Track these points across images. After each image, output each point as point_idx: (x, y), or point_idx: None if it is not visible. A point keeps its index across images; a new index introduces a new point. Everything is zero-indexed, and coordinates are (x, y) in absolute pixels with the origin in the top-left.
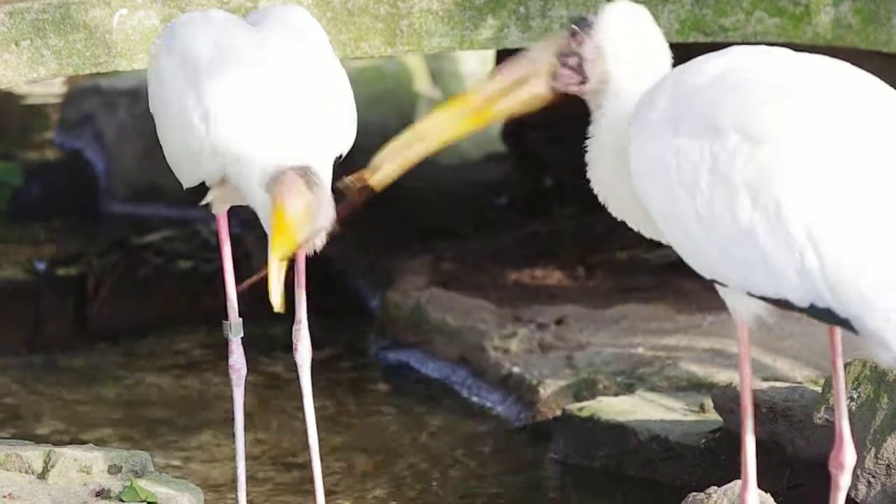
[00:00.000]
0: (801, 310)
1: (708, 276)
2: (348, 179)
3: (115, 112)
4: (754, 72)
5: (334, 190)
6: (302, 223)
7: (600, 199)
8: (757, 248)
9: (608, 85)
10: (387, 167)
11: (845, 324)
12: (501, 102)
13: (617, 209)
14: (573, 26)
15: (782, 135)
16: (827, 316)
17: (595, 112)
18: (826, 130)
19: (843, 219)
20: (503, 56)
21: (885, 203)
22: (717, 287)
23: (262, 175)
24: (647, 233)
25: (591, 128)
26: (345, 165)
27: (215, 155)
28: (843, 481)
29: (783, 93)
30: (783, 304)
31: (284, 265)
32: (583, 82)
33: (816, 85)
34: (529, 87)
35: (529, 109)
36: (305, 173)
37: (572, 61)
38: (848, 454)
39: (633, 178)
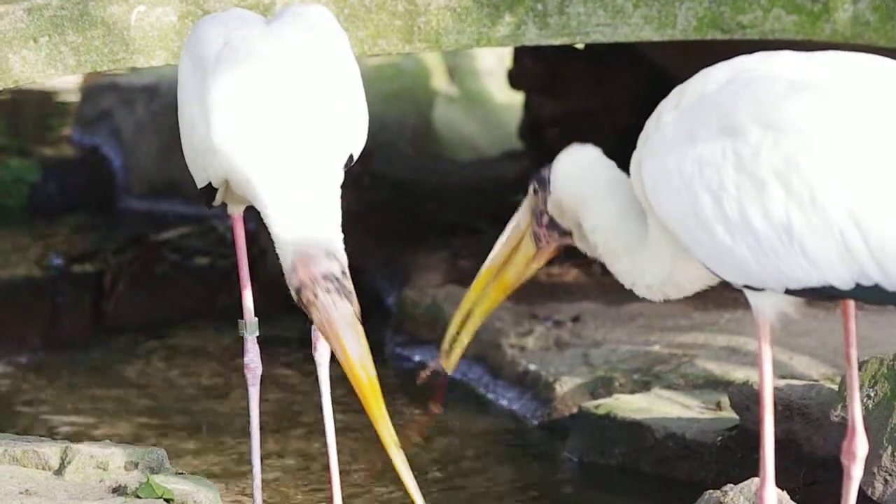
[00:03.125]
0: (846, 293)
1: (741, 282)
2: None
3: (132, 109)
4: (764, 70)
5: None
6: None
7: (656, 297)
8: (794, 240)
9: (584, 228)
10: (453, 352)
11: (894, 298)
12: (509, 271)
13: (673, 289)
14: (534, 184)
15: (805, 121)
16: (875, 293)
17: (595, 252)
18: (847, 111)
19: (881, 191)
20: (521, 53)
21: None
22: (747, 291)
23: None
24: (700, 284)
25: (605, 261)
26: (362, 162)
27: (216, 155)
28: (856, 472)
29: (797, 83)
30: (825, 293)
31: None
32: (563, 235)
33: (829, 72)
34: (521, 253)
35: (538, 267)
36: (336, 284)
37: (544, 220)
38: (860, 444)
39: (651, 199)
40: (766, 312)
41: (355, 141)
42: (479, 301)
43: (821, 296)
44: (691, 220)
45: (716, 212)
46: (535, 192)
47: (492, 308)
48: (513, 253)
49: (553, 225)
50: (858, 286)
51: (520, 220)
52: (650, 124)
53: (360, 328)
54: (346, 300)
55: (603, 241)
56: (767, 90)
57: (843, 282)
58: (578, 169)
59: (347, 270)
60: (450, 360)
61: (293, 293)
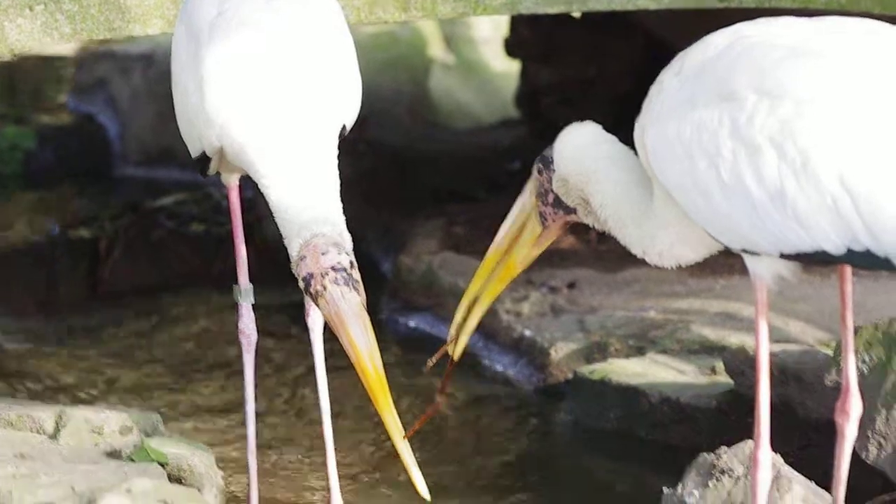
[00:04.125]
0: (838, 258)
1: (738, 247)
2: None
3: (128, 76)
4: (762, 36)
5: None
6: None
7: (668, 263)
8: (787, 205)
9: (592, 203)
10: (460, 340)
11: (886, 263)
12: (516, 252)
13: (684, 252)
14: (538, 164)
15: (800, 88)
16: (866, 259)
17: (604, 226)
18: (842, 78)
19: (872, 158)
20: (517, 21)
21: None
22: (744, 255)
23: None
24: (708, 247)
25: (615, 233)
26: (358, 130)
27: (210, 124)
28: (850, 431)
29: (796, 50)
30: (818, 258)
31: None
32: (568, 212)
33: (827, 39)
34: (527, 232)
35: (545, 246)
36: (345, 275)
37: (549, 198)
38: (854, 403)
39: (653, 165)
40: (763, 276)
41: (349, 111)
42: (487, 285)
43: (814, 260)
44: (690, 186)
45: (713, 177)
46: (540, 172)
47: (499, 291)
48: (518, 235)
49: (559, 203)
50: (850, 251)
51: (524, 201)
52: (653, 91)
53: (368, 320)
54: (354, 291)
55: (611, 214)
56: (765, 56)
57: (835, 247)
58: (580, 145)
59: (355, 261)
60: (457, 348)
61: (300, 282)
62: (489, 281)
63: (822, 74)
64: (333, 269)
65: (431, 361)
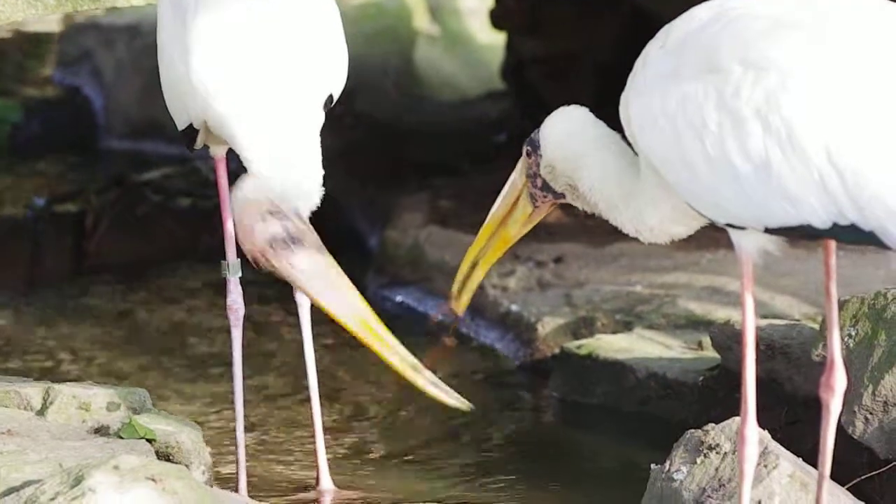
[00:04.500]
0: (823, 233)
1: (723, 220)
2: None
3: (113, 48)
4: (745, 8)
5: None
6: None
7: (660, 239)
8: (772, 178)
9: (580, 188)
10: (462, 297)
11: (871, 237)
12: (509, 227)
13: (674, 228)
14: (527, 147)
15: (785, 59)
16: (851, 233)
17: (595, 209)
18: (827, 49)
19: (858, 131)
20: None
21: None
22: (729, 229)
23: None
24: (693, 224)
25: (606, 215)
26: (343, 103)
27: (195, 95)
28: (834, 406)
29: (778, 21)
30: (803, 232)
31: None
32: (557, 196)
33: (812, 10)
34: (518, 210)
35: (536, 221)
36: (282, 242)
37: (538, 182)
38: (839, 378)
39: (637, 137)
40: (749, 250)
41: (335, 81)
42: (483, 254)
43: (800, 234)
44: (675, 159)
45: (698, 150)
46: (529, 154)
47: (496, 259)
48: (512, 209)
49: (547, 187)
50: (836, 225)
51: (515, 179)
52: (638, 63)
53: (331, 270)
54: (301, 248)
55: (601, 197)
56: (749, 28)
57: (821, 221)
58: (567, 132)
59: (291, 213)
60: (460, 303)
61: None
62: (486, 250)
63: (806, 46)
64: (270, 241)
65: (436, 315)
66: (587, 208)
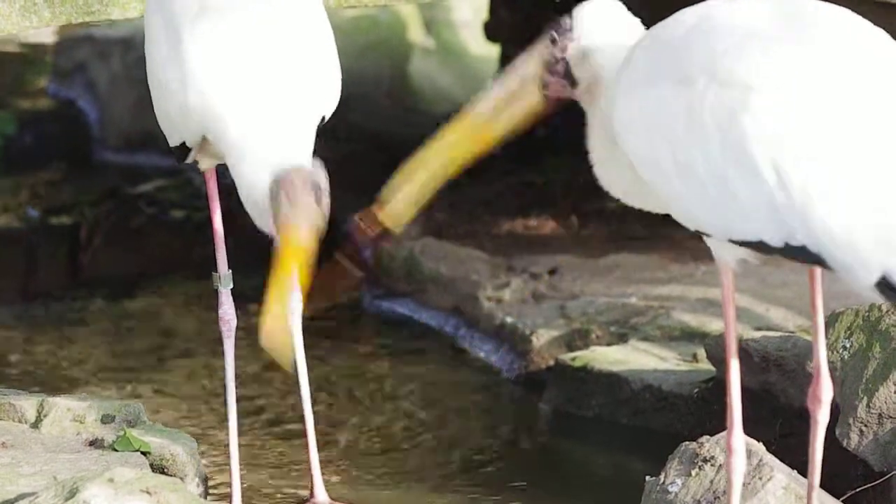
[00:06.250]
0: (777, 251)
1: (692, 226)
2: (359, 219)
3: (107, 61)
4: (725, 18)
5: (351, 235)
6: (308, 245)
7: (613, 193)
8: (729, 191)
9: (599, 81)
10: (396, 202)
11: (818, 260)
12: (499, 121)
13: (629, 196)
14: (552, 33)
15: (747, 75)
16: (802, 254)
17: (589, 110)
18: (794, 69)
19: (812, 155)
20: (497, 5)
21: (851, 135)
22: (703, 236)
23: (267, 174)
24: (659, 208)
25: (588, 128)
26: (337, 115)
27: (192, 117)
28: (822, 416)
29: (752, 35)
30: (762, 247)
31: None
32: (573, 85)
33: (787, 25)
34: (523, 102)
35: (529, 121)
36: (315, 185)
37: (559, 67)
38: (825, 389)
39: (618, 135)
40: (725, 259)
41: (328, 103)
42: (447, 152)
43: (759, 250)
44: (651, 162)
45: (668, 156)
46: (553, 41)
47: (461, 162)
48: (504, 106)
49: (568, 74)
50: (787, 245)
51: (522, 71)
52: (622, 65)
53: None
54: (319, 207)
55: (602, 109)
56: (721, 40)
57: (773, 240)
58: (609, 21)
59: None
60: (394, 213)
61: (270, 204)
62: (451, 148)
63: (771, 63)
64: (312, 185)
65: (356, 218)
66: (584, 105)
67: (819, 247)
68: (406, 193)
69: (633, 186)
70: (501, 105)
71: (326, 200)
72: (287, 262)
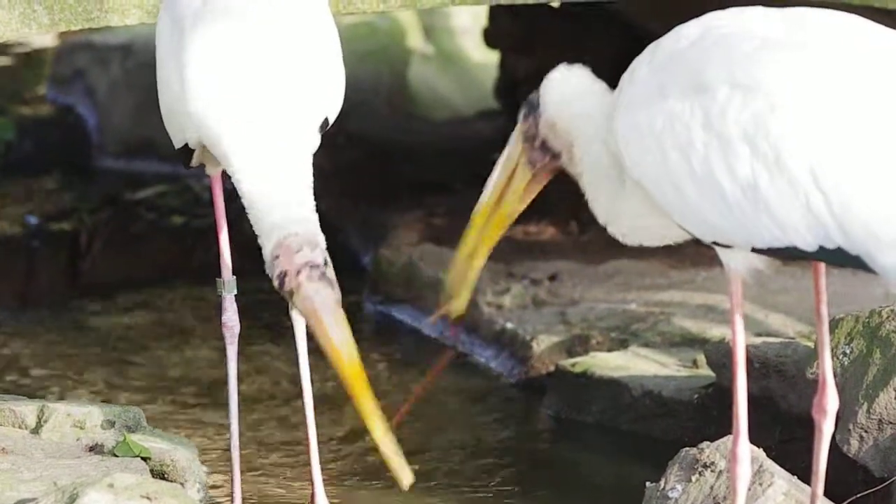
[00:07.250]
0: (810, 255)
1: (709, 238)
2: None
3: (107, 67)
4: (734, 27)
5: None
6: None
7: (630, 243)
8: (759, 200)
9: (575, 149)
10: (460, 294)
11: (857, 262)
12: (508, 202)
13: (646, 238)
14: (524, 110)
15: (773, 80)
16: (838, 256)
17: (580, 179)
18: (816, 72)
19: (845, 155)
20: (496, 12)
21: (885, 135)
22: (717, 247)
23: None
24: (674, 237)
25: (587, 195)
26: (337, 122)
27: (189, 116)
28: (827, 427)
29: (768, 41)
30: (790, 253)
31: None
32: (555, 157)
33: (800, 30)
34: (516, 181)
35: (535, 193)
36: (319, 272)
37: (537, 143)
38: (831, 399)
39: (623, 153)
40: (737, 268)
41: (332, 105)
42: (480, 240)
43: (787, 256)
44: (662, 176)
45: (684, 169)
46: (526, 117)
47: (493, 244)
48: (507, 186)
49: (546, 147)
50: (822, 248)
51: (510, 151)
52: (624, 79)
53: (343, 315)
54: (329, 287)
55: (588, 179)
56: (737, 48)
57: (807, 244)
58: (570, 88)
59: (329, 259)
60: (459, 301)
61: (275, 282)
62: (481, 236)
63: (794, 67)
64: (308, 265)
65: (434, 319)
66: (574, 174)
67: (858, 248)
68: (462, 286)
69: (645, 220)
70: (503, 188)
71: (331, 272)
72: (354, 382)
